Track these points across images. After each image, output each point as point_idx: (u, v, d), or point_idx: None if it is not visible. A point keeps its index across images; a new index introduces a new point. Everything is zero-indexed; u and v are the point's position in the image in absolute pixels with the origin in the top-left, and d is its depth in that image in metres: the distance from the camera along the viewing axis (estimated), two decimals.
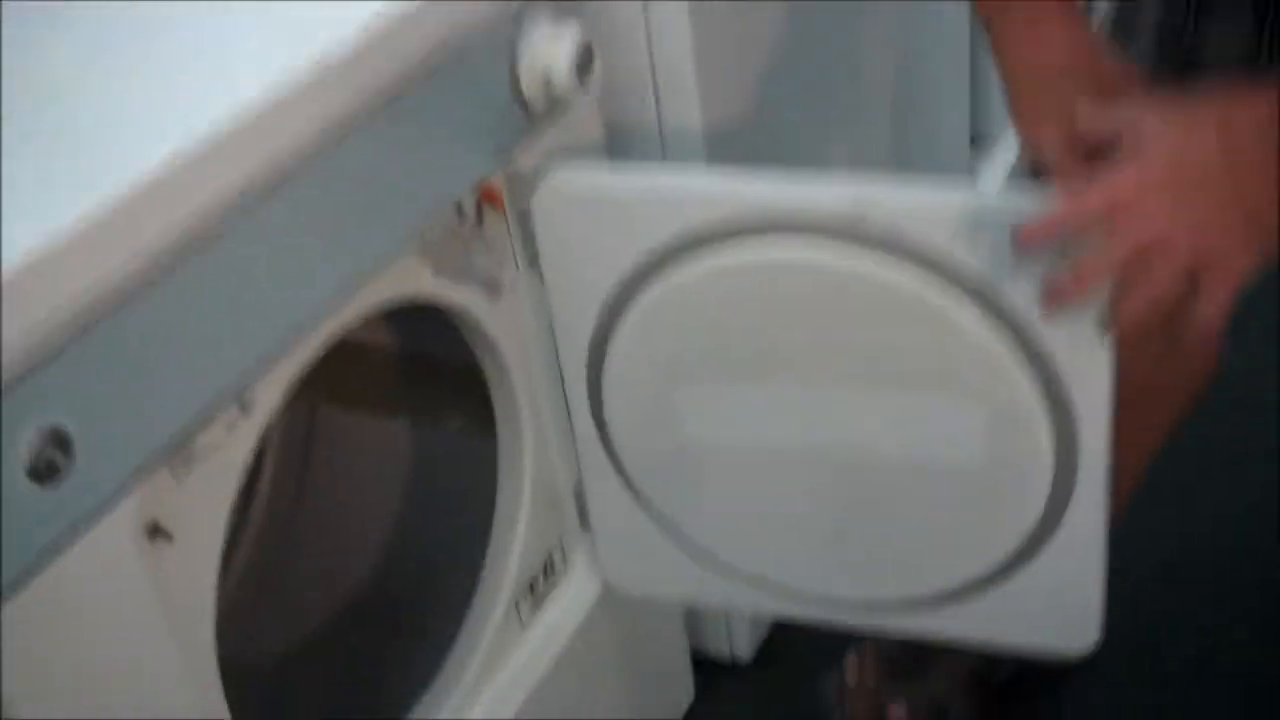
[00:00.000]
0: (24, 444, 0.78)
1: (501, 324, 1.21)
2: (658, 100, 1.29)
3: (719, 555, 1.28)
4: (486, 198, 1.15)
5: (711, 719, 1.56)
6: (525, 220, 1.17)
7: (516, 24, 1.09)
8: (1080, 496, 1.11)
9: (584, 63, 1.11)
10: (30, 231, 0.77)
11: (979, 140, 2.07)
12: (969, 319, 1.05)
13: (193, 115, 0.87)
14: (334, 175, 0.96)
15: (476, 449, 1.31)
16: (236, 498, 0.98)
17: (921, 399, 1.11)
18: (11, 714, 0.82)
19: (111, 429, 0.83)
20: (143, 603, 0.91)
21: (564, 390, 1.25)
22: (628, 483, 1.28)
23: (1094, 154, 0.96)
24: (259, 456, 1.41)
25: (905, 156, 1.78)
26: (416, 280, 1.11)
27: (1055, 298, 1.00)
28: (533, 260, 1.20)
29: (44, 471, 0.79)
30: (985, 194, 1.20)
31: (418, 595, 1.38)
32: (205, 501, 0.95)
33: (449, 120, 1.06)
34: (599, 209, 1.14)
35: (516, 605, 1.31)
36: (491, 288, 1.18)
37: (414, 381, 1.41)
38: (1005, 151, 2.07)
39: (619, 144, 1.28)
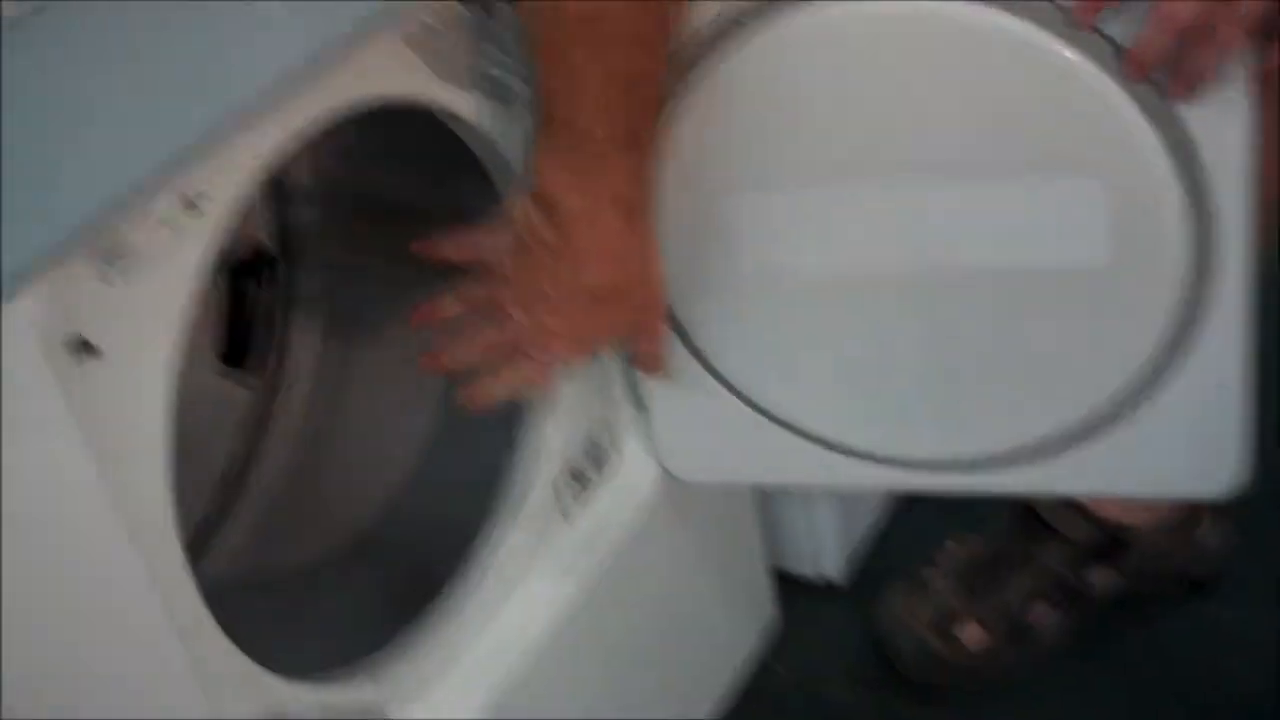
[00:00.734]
0: None
1: (518, 141, 1.03)
2: None
3: (790, 418, 1.09)
4: None
5: (800, 642, 1.36)
6: None
7: None
8: (1220, 298, 0.92)
9: None
10: None
11: None
12: (1097, 78, 0.85)
13: None
14: None
15: None
16: (187, 315, 0.81)
17: (1036, 186, 0.93)
18: None
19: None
20: (63, 428, 0.74)
21: None
22: (679, 334, 1.09)
23: None
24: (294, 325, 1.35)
25: None
26: (407, 78, 0.93)
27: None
28: None
29: None
30: None
31: (458, 495, 1.20)
32: (145, 313, 0.79)
33: None
34: None
35: (557, 493, 1.13)
36: (503, 94, 1.00)
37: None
38: None
39: None
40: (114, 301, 0.77)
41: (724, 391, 1.10)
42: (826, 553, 1.39)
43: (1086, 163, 0.91)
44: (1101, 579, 1.27)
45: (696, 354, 1.09)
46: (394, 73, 0.93)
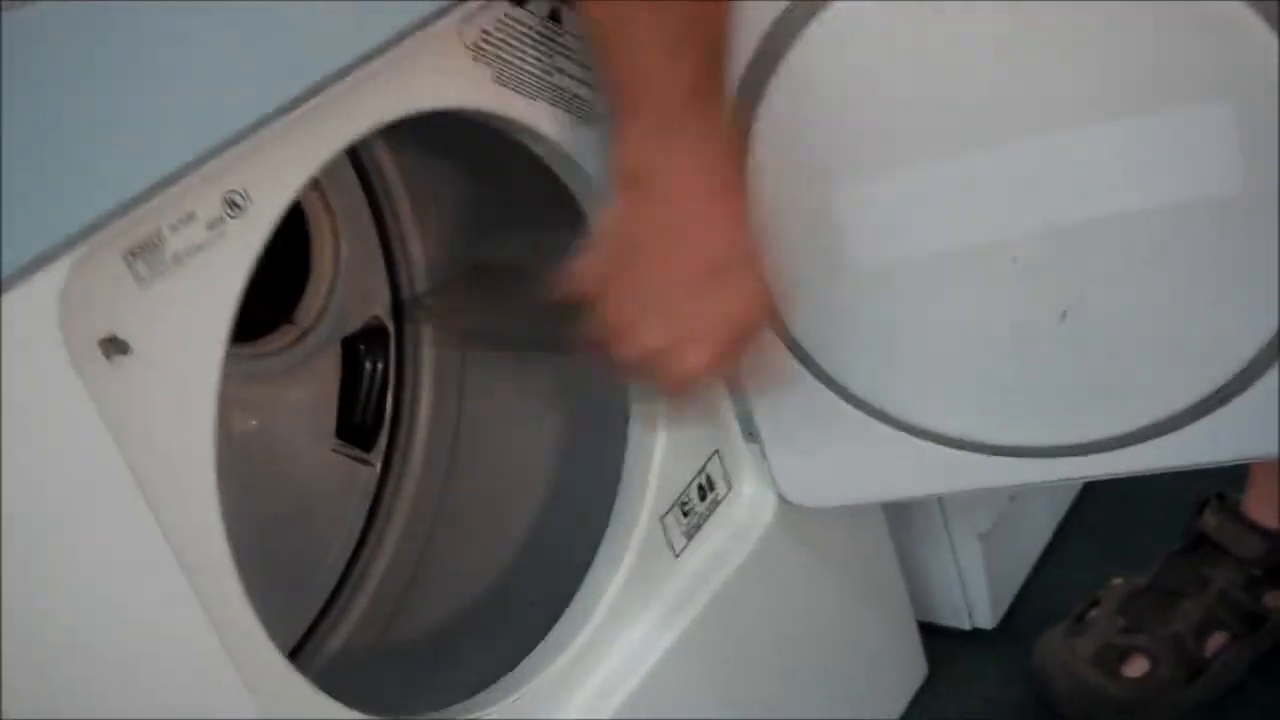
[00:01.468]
0: None
1: (601, 155, 0.98)
2: None
3: (913, 419, 1.01)
4: None
5: (946, 689, 1.25)
6: None
7: None
8: None
9: None
10: None
11: None
12: None
13: None
14: None
15: None
16: (232, 319, 0.78)
17: (1160, 118, 0.85)
18: None
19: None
20: (91, 427, 0.71)
21: None
22: (786, 340, 1.02)
23: None
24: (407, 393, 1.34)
25: None
26: (469, 87, 0.90)
27: None
28: None
29: None
30: None
31: (576, 545, 1.15)
32: (183, 313, 0.76)
33: None
34: None
35: (664, 527, 1.06)
36: (576, 107, 0.96)
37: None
38: None
39: None
40: (149, 301, 0.74)
41: (839, 401, 1.03)
42: (974, 598, 1.28)
43: (1212, 85, 0.83)
44: (1278, 602, 1.14)
45: (808, 363, 1.02)
46: (455, 82, 0.90)
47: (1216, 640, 1.14)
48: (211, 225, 0.77)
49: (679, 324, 0.89)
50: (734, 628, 1.07)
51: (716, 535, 1.10)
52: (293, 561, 1.33)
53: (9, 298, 0.65)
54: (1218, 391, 0.94)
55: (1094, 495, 1.41)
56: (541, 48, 0.94)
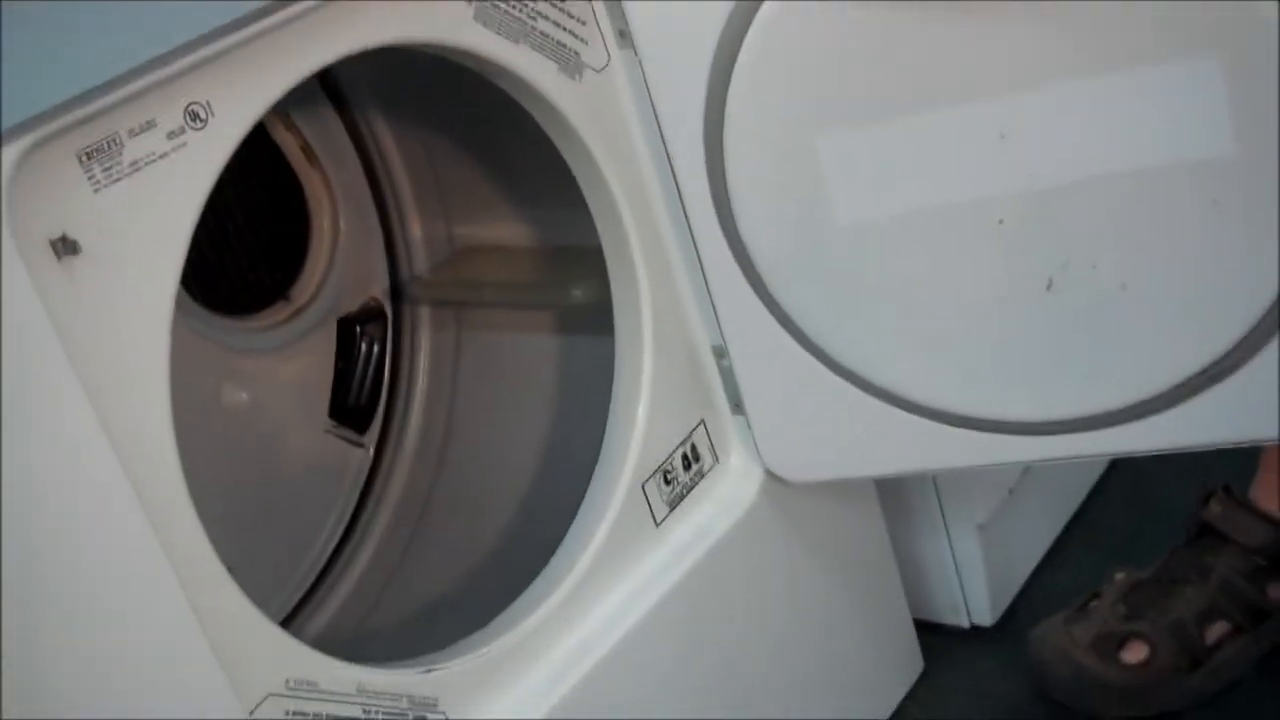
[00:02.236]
0: None
1: (588, 112, 0.97)
2: None
3: (902, 391, 0.98)
4: None
5: (942, 686, 1.21)
6: None
7: None
8: None
9: None
10: None
11: None
12: None
13: None
14: None
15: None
16: (190, 227, 0.77)
17: (1149, 73, 0.83)
18: None
19: None
20: (39, 327, 0.69)
21: (681, 204, 0.99)
22: (773, 311, 1.00)
23: None
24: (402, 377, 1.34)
25: None
26: (446, 21, 0.89)
27: None
28: (622, 33, 0.97)
29: None
30: None
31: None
32: (137, 221, 0.74)
33: None
34: None
35: (645, 495, 1.03)
36: (561, 56, 0.95)
37: (545, 266, 1.26)
38: None
39: None
40: (104, 204, 0.73)
41: (826, 370, 1.00)
42: (973, 594, 1.24)
43: (1201, 41, 0.81)
44: None
45: (793, 330, 1.00)
46: (432, 15, 0.88)
47: (1218, 629, 1.09)
48: (172, 135, 0.76)
49: None
50: (712, 604, 1.04)
51: (700, 507, 1.07)
52: (280, 540, 1.31)
53: None
54: (1213, 366, 0.91)
55: (1100, 497, 1.38)
56: None
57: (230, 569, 1.23)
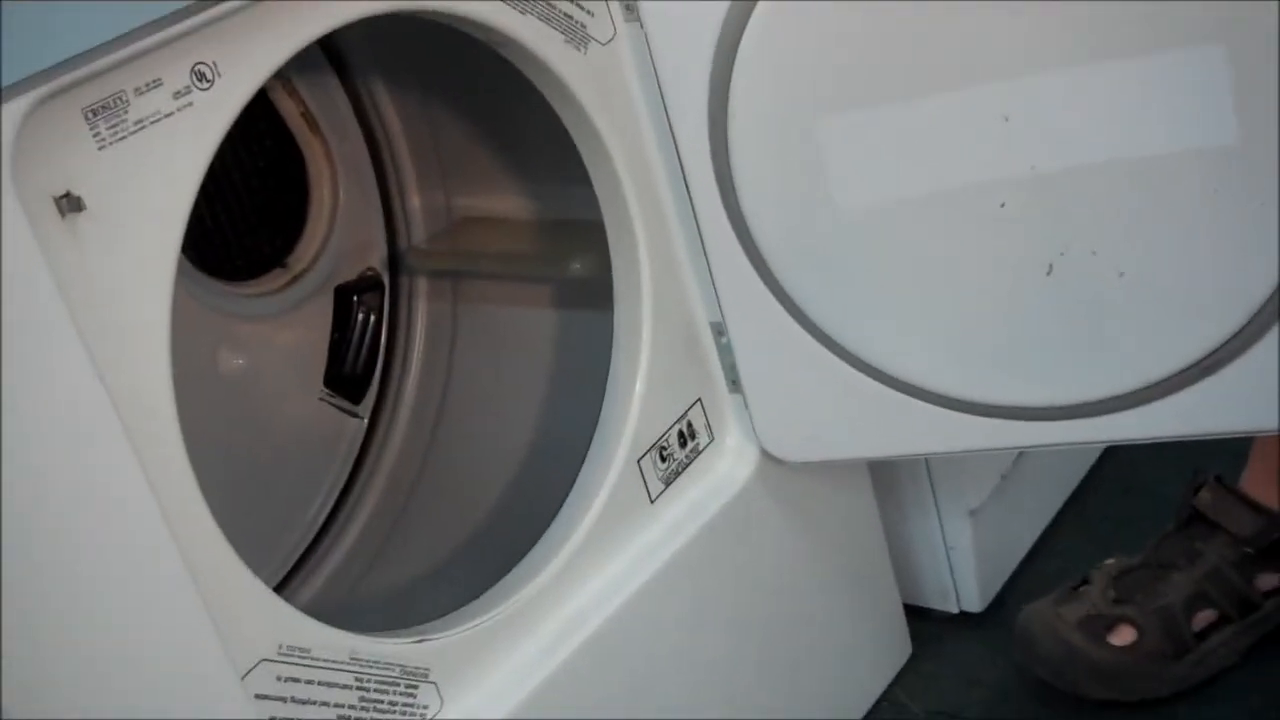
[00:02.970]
0: None
1: (593, 85, 0.97)
2: None
3: (901, 373, 0.98)
4: None
5: (932, 673, 1.21)
6: None
7: None
8: None
9: None
10: None
11: None
12: None
13: None
14: None
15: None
16: (195, 189, 0.77)
17: (1151, 60, 0.83)
18: None
19: None
20: (41, 282, 0.69)
21: (684, 180, 0.99)
22: (773, 289, 0.99)
23: None
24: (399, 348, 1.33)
25: None
26: None
27: None
28: (629, 7, 0.96)
29: None
30: None
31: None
32: (142, 179, 0.74)
33: None
34: None
35: (640, 470, 1.03)
36: (568, 28, 0.94)
37: (545, 240, 1.25)
38: None
39: None
40: (109, 161, 0.73)
41: (825, 351, 1.00)
42: (962, 580, 1.25)
43: (1208, 29, 0.80)
44: (1272, 585, 1.10)
45: (793, 310, 1.00)
46: None
47: (1205, 617, 1.10)
48: (178, 94, 0.76)
49: None
50: (704, 580, 1.04)
51: (695, 485, 1.07)
52: (272, 508, 1.31)
53: None
54: (1210, 355, 0.91)
55: (1093, 485, 1.38)
56: None
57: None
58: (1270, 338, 0.89)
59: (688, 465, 1.07)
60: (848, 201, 0.94)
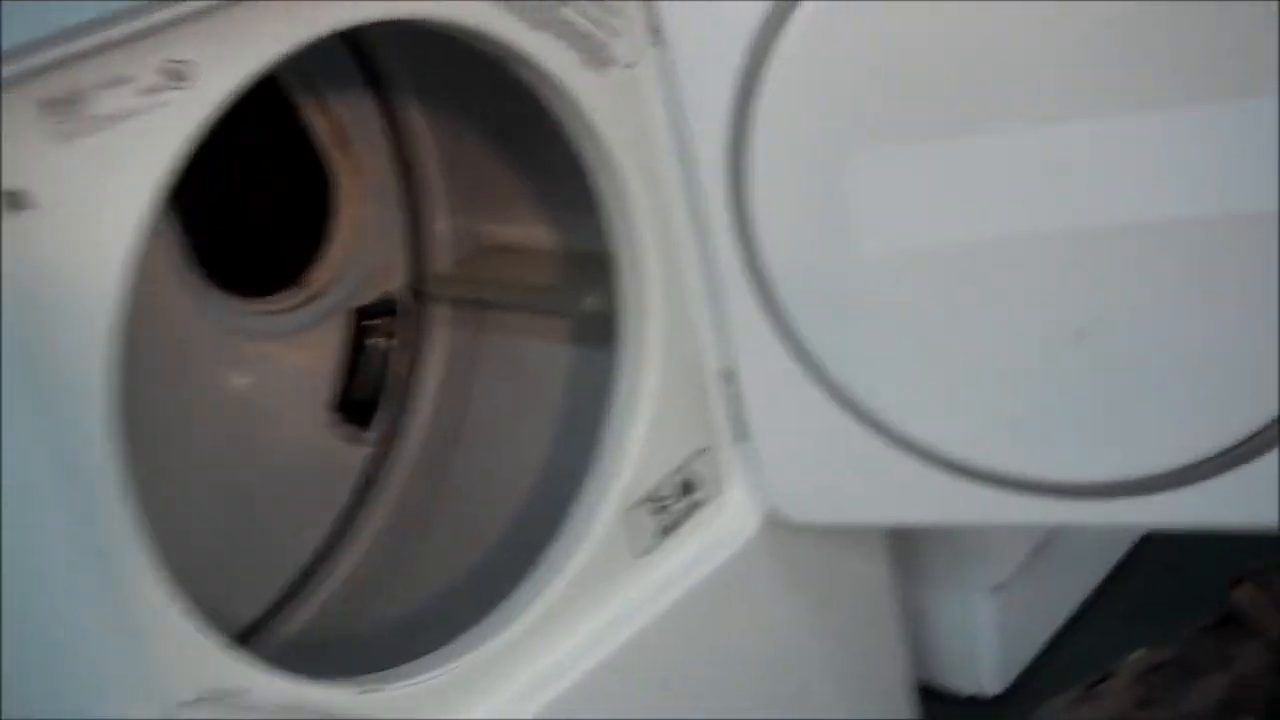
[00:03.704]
0: None
1: (611, 109, 0.92)
2: None
3: (917, 437, 0.92)
4: None
5: None
6: None
7: None
8: None
9: None
10: None
11: None
12: None
13: None
14: None
15: None
16: (165, 190, 0.73)
17: (1196, 113, 0.76)
18: None
19: None
20: None
21: (701, 215, 0.94)
22: (789, 338, 0.94)
23: None
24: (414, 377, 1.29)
25: None
26: (465, 3, 0.84)
27: None
28: (655, 30, 0.92)
29: None
30: None
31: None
32: (99, 179, 0.70)
33: None
34: None
35: (632, 520, 0.97)
36: (586, 47, 0.90)
37: (566, 272, 1.21)
38: None
39: None
40: (64, 158, 0.68)
41: (838, 407, 0.94)
42: (982, 659, 1.17)
43: (1256, 80, 0.74)
44: None
45: (807, 361, 0.94)
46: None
47: None
48: (147, 92, 0.72)
49: None
50: (692, 645, 0.98)
51: (692, 540, 1.01)
52: (267, 533, 1.27)
53: None
54: (1249, 440, 0.84)
55: (1133, 564, 1.30)
56: None
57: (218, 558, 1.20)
58: None
59: (685, 518, 1.01)
60: (870, 246, 0.89)
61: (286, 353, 1.29)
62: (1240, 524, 0.87)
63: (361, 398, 1.32)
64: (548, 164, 1.21)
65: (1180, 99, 0.78)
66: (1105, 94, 0.80)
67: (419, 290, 1.33)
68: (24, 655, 0.68)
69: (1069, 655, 1.22)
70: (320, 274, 1.30)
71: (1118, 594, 1.29)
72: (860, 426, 0.94)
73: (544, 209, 1.24)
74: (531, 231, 1.26)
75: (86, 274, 0.70)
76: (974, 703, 1.19)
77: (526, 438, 1.27)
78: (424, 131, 1.29)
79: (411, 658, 0.91)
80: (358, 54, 1.25)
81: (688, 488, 1.01)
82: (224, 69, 0.74)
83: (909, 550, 1.15)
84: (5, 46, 0.64)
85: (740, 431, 1.01)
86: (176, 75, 0.73)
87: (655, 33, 0.92)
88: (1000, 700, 1.19)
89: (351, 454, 1.32)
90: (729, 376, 0.99)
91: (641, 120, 0.94)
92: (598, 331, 1.21)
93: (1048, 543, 1.17)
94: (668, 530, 0.99)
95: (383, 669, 1.07)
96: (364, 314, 1.32)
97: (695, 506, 1.01)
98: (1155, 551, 1.30)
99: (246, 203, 1.25)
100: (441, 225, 1.33)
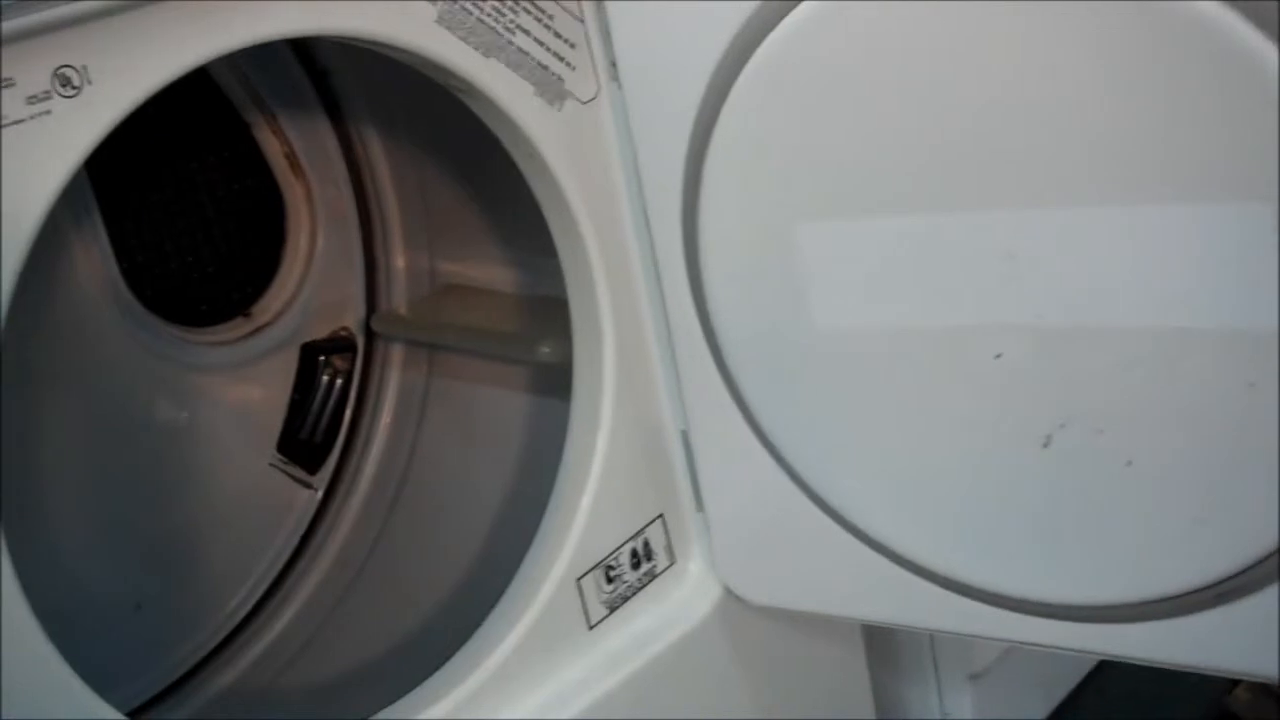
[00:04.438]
0: None
1: (566, 146, 0.84)
2: None
3: (874, 531, 0.83)
4: None
5: None
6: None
7: None
8: None
9: None
10: None
11: None
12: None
13: None
14: None
15: None
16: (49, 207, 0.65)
17: (1185, 212, 0.67)
18: None
19: None
20: None
21: (655, 268, 0.86)
22: (742, 410, 0.86)
23: None
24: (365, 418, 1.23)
25: None
26: (400, 19, 0.77)
27: None
28: (614, 64, 0.84)
29: None
30: None
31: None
32: None
33: None
34: None
35: (580, 591, 0.89)
36: (539, 78, 0.82)
37: (522, 317, 1.14)
38: None
39: None
40: None
41: (794, 489, 0.86)
42: (954, 702, 1.08)
43: (1255, 181, 0.65)
44: None
45: (761, 437, 0.85)
46: (382, 9, 0.76)
47: None
48: (34, 99, 0.64)
49: None
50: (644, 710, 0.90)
51: (645, 613, 0.93)
52: (204, 579, 1.19)
53: None
54: (1228, 580, 0.73)
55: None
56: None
57: (138, 606, 1.12)
58: None
59: (639, 589, 0.92)
60: (823, 319, 0.80)
61: (229, 388, 1.21)
62: (1231, 669, 0.78)
63: (308, 439, 1.24)
64: (511, 202, 1.13)
65: (1167, 195, 0.68)
66: (1077, 180, 0.71)
67: (373, 328, 1.25)
68: None
69: None
70: (268, 305, 1.23)
71: (1105, 686, 1.20)
72: (811, 507, 0.86)
73: (506, 249, 1.17)
74: (492, 272, 1.19)
75: None
76: None
77: (477, 490, 1.20)
78: (382, 162, 1.22)
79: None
80: (315, 77, 1.18)
81: (642, 556, 0.92)
82: (122, 78, 0.67)
83: (882, 635, 1.07)
84: None
85: (700, 498, 0.92)
86: (66, 81, 0.65)
87: (615, 66, 0.84)
88: None
89: (297, 496, 1.24)
90: (686, 439, 0.91)
91: (599, 161, 0.86)
92: (555, 381, 1.13)
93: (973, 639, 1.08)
94: (620, 601, 0.91)
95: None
96: (315, 350, 1.24)
97: (650, 577, 0.93)
98: None
99: (192, 223, 1.18)
100: (400, 260, 1.25)
